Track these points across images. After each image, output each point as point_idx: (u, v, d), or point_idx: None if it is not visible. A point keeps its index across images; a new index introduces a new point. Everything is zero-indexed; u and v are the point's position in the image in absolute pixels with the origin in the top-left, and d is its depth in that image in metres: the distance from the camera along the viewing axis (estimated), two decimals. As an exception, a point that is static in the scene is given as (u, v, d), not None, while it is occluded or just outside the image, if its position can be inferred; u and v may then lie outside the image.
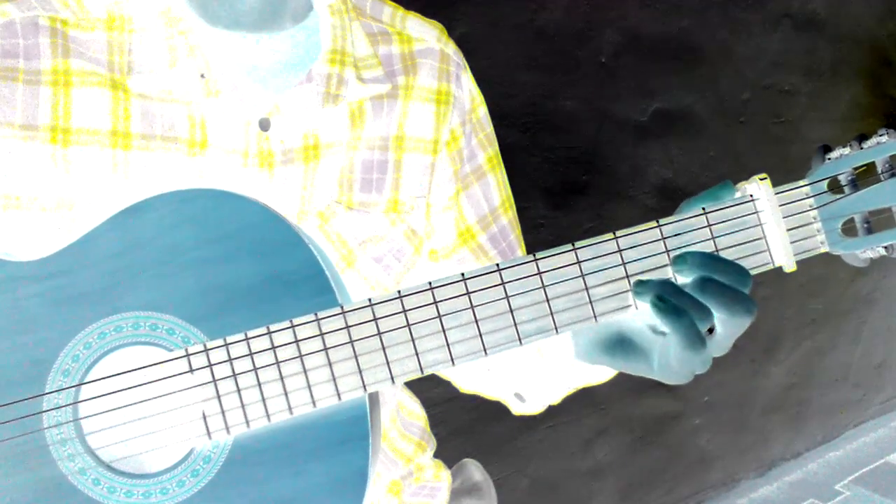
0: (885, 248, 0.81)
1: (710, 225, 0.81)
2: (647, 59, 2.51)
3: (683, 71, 2.62)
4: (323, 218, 0.93)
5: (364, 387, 0.76)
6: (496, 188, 1.08)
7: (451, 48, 1.04)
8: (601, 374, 0.97)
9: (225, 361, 0.75)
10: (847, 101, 3.11)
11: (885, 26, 3.14)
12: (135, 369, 0.75)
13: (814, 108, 3.00)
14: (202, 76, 0.88)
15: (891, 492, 3.11)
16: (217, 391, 0.75)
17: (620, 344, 0.86)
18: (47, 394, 0.75)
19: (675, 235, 0.80)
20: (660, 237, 0.80)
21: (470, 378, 1.14)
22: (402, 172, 0.98)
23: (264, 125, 0.90)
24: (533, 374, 1.04)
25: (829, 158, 0.82)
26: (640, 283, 0.80)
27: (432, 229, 1.04)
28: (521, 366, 1.05)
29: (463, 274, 0.78)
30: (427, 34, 1.03)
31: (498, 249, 1.08)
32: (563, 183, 2.40)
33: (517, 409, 1.12)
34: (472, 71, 1.07)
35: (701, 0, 2.60)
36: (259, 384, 0.75)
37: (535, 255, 0.79)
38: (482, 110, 1.07)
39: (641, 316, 0.83)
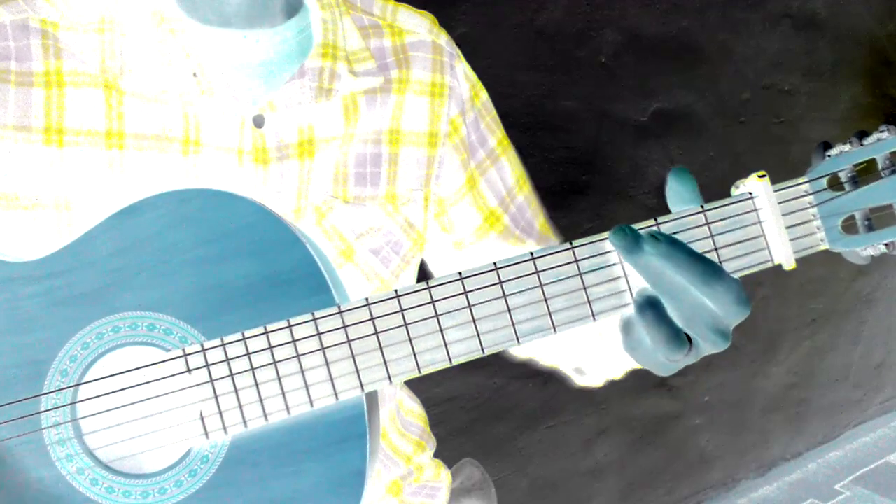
0: (886, 245, 0.81)
1: (708, 223, 0.80)
2: (647, 59, 2.51)
3: (683, 71, 2.62)
4: (320, 213, 0.93)
5: (361, 386, 0.76)
6: (510, 169, 1.09)
7: (444, 38, 1.04)
8: None
9: (222, 361, 0.75)
10: (847, 101, 3.11)
11: (885, 26, 3.14)
12: (132, 369, 0.75)
13: (814, 108, 3.00)
14: (194, 75, 0.88)
15: (891, 492, 3.10)
16: (214, 391, 0.75)
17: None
18: (45, 394, 0.75)
19: (674, 233, 0.80)
20: (658, 236, 0.80)
21: (528, 346, 1.13)
22: (399, 166, 0.98)
23: (258, 122, 0.90)
24: (593, 353, 1.04)
25: (829, 155, 0.81)
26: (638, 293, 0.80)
27: (450, 222, 1.04)
28: (581, 344, 1.05)
29: (460, 273, 0.77)
30: (418, 26, 1.03)
31: (519, 228, 1.09)
32: (563, 183, 2.40)
33: (578, 381, 1.11)
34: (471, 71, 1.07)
35: (701, 0, 2.60)
36: (256, 384, 0.75)
37: (532, 254, 0.78)
38: (484, 95, 1.07)
39: None
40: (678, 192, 0.81)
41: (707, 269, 0.77)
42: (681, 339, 0.78)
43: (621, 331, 0.82)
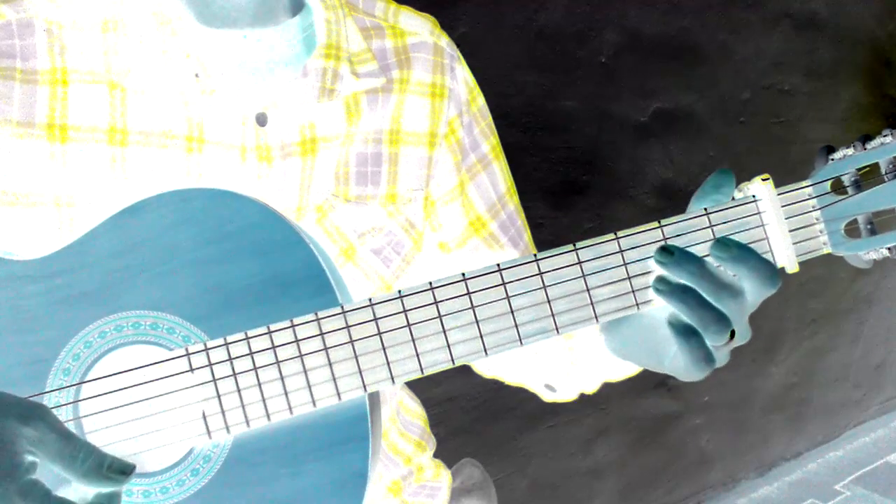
0: (889, 249, 0.81)
1: (712, 226, 0.80)
2: (647, 59, 2.51)
3: (683, 71, 2.62)
4: (321, 212, 0.94)
5: (364, 387, 0.76)
6: (501, 176, 1.09)
7: (445, 40, 1.04)
8: (633, 367, 0.97)
9: (225, 361, 0.75)
10: (847, 101, 3.11)
11: (885, 26, 3.14)
12: (135, 368, 0.75)
13: (814, 108, 3.00)
14: (196, 76, 0.88)
15: (891, 492, 3.11)
16: (217, 390, 0.75)
17: (639, 339, 0.86)
18: (48, 392, 0.75)
19: (677, 236, 0.80)
20: (662, 238, 0.80)
21: (494, 364, 1.14)
22: (399, 166, 0.99)
23: (261, 120, 0.90)
24: (563, 368, 1.04)
25: (833, 159, 0.82)
26: (662, 281, 0.80)
27: (439, 223, 1.04)
28: (550, 359, 1.05)
29: (464, 274, 0.78)
30: (420, 27, 1.03)
31: (508, 236, 1.08)
32: (563, 183, 2.40)
33: (548, 397, 1.11)
34: (472, 71, 1.07)
35: (701, 0, 2.60)
36: (259, 384, 0.75)
37: (535, 256, 0.79)
38: (481, 100, 1.07)
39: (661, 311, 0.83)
40: (716, 188, 0.82)
41: (774, 272, 0.80)
42: (727, 319, 0.79)
43: (672, 328, 0.81)
